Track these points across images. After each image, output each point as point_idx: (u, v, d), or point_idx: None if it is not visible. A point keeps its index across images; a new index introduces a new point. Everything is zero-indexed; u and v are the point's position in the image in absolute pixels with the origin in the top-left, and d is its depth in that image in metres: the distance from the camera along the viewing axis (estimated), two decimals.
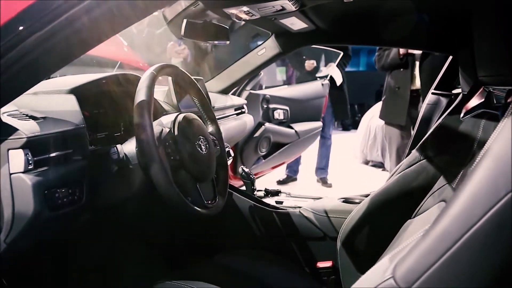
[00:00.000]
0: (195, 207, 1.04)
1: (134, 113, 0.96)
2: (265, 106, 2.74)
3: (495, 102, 0.94)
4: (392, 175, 1.61)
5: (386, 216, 1.21)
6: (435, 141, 1.16)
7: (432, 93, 1.98)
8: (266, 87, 3.24)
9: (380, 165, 5.09)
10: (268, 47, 2.01)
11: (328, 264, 1.40)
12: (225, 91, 2.14)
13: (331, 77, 3.56)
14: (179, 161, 1.05)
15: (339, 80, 3.64)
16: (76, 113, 1.02)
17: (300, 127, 3.02)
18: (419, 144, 1.21)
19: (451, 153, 1.06)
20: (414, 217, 1.14)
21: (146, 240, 1.45)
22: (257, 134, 2.62)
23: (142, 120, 0.94)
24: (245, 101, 2.27)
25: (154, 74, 1.03)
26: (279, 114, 2.84)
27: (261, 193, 1.72)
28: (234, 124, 2.09)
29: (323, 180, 4.26)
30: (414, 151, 1.22)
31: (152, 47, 3.19)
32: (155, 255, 1.44)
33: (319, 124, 3.23)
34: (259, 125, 2.63)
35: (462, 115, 1.07)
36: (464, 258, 0.60)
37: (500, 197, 0.57)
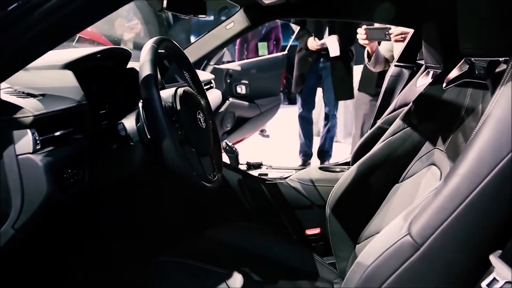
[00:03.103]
0: (202, 181, 1.04)
1: (141, 87, 0.93)
2: (228, 80, 2.72)
3: (479, 72, 1.01)
4: (361, 143, 1.69)
5: (373, 182, 1.28)
6: (418, 110, 1.23)
7: (395, 65, 2.08)
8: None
9: None
10: (237, 20, 1.99)
11: (316, 231, 1.47)
12: None
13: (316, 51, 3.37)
14: (184, 136, 1.04)
15: (334, 51, 3.28)
16: (76, 89, 0.97)
17: (261, 100, 3.04)
18: (402, 113, 1.28)
19: (436, 120, 1.13)
20: (402, 181, 1.22)
21: (138, 218, 1.42)
22: (222, 109, 2.60)
23: (151, 95, 0.92)
24: (213, 76, 2.25)
25: (155, 47, 1.00)
26: (241, 89, 2.83)
27: (244, 167, 1.74)
28: None
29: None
30: (397, 120, 1.28)
31: (104, 21, 3.04)
32: (146, 232, 1.43)
33: (278, 97, 3.27)
34: (223, 100, 2.62)
35: (444, 84, 1.14)
36: (474, 213, 0.67)
37: (503, 155, 0.65)
